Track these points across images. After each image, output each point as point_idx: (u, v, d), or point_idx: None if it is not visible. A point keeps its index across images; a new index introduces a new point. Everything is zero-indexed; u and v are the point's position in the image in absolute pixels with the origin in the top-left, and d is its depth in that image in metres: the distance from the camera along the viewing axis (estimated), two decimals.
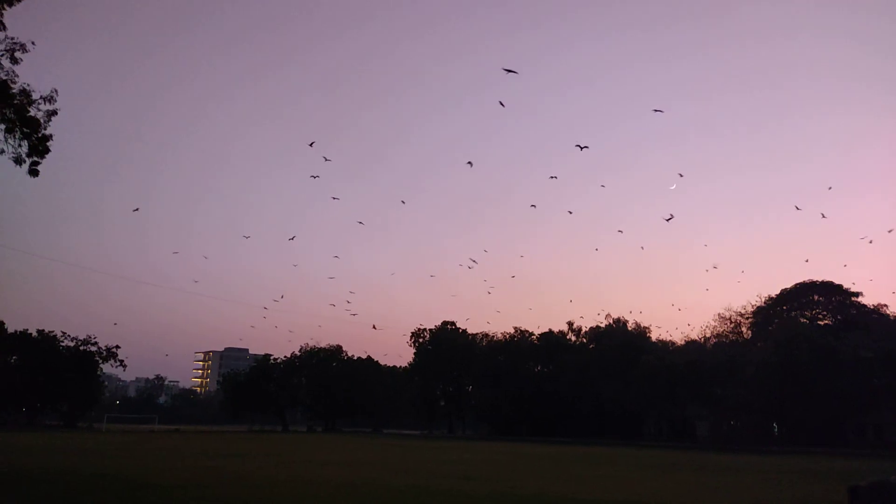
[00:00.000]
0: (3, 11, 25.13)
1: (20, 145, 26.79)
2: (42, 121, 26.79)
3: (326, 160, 51.44)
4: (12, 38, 25.60)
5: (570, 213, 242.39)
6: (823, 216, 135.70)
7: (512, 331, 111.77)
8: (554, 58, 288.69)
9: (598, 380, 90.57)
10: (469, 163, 52.32)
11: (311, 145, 49.46)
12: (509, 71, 32.76)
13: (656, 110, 40.42)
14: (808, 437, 74.57)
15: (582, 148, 42.95)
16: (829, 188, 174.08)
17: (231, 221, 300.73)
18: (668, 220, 53.20)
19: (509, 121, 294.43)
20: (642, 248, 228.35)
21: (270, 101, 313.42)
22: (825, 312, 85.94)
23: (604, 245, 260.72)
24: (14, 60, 25.69)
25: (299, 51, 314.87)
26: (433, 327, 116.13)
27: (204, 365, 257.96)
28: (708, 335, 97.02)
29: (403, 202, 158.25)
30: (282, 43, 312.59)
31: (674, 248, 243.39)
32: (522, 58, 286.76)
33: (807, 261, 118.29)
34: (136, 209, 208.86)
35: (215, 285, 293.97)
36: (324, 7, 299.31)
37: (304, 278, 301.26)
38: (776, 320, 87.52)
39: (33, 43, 26.12)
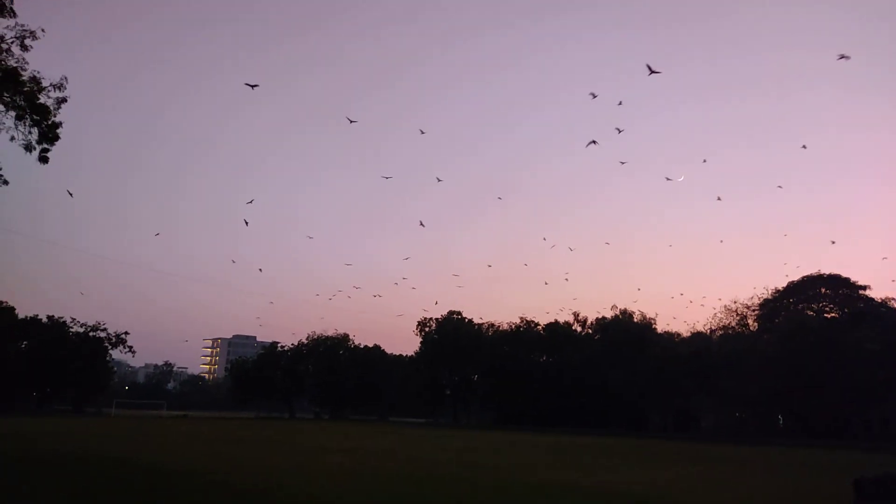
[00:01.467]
0: None
1: (30, 132, 26.99)
2: (52, 108, 26.94)
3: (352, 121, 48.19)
4: (22, 26, 25.72)
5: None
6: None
7: (518, 321, 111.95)
8: (548, 54, 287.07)
9: (603, 370, 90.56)
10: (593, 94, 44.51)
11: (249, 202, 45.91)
12: None
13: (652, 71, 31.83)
14: (813, 429, 74.45)
15: (652, 72, 36.22)
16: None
17: (238, 210, 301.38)
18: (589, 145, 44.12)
19: (523, 111, 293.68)
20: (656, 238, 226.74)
21: (299, 103, 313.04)
22: (832, 305, 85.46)
23: (613, 237, 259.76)
24: (24, 48, 25.81)
25: (317, 50, 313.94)
26: (439, 317, 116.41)
27: (212, 352, 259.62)
28: (714, 327, 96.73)
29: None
30: (303, 45, 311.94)
31: (683, 240, 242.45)
32: (530, 47, 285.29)
33: (885, 258, 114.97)
34: (71, 194, 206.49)
35: (226, 273, 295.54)
36: None
37: (312, 266, 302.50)
38: (783, 313, 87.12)
39: (43, 30, 26.22)
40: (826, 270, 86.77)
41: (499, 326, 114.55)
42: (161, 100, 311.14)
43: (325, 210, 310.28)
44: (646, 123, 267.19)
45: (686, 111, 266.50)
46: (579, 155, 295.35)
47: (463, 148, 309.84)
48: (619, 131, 42.09)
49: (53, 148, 27.56)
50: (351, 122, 47.16)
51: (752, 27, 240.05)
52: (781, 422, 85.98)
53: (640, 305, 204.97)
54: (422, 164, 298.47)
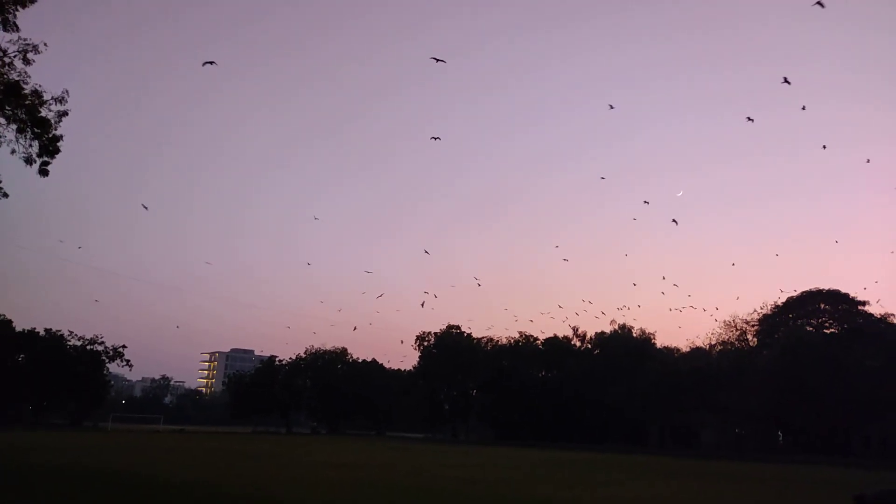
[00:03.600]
0: (17, 13, 25.44)
1: (31, 145, 27.07)
2: (53, 121, 27.05)
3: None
4: (25, 40, 25.87)
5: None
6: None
7: (517, 335, 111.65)
8: (565, 63, 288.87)
9: (602, 385, 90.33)
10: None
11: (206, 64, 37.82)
12: None
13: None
14: (813, 445, 74.12)
15: (438, 60, 37.44)
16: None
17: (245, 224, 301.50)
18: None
19: (521, 124, 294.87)
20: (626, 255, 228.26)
21: (303, 116, 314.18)
22: (831, 321, 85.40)
23: (613, 251, 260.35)
24: (27, 61, 25.95)
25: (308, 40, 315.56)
26: (438, 331, 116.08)
27: (210, 366, 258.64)
28: (713, 342, 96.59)
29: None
30: (307, 57, 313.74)
31: (683, 253, 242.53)
32: (536, 58, 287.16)
33: (876, 282, 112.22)
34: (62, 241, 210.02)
35: (222, 287, 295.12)
36: None
37: (310, 278, 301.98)
38: (782, 328, 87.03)
39: (45, 44, 26.34)
40: (825, 285, 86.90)
41: (498, 341, 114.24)
42: (166, 112, 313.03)
43: (328, 223, 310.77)
44: (646, 135, 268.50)
45: (686, 123, 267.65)
46: (582, 167, 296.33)
47: (466, 159, 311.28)
48: (788, 82, 39.03)
49: (54, 161, 27.64)
50: (438, 60, 38.56)
51: (758, 39, 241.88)
52: (781, 438, 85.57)
53: (640, 320, 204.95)
54: (425, 175, 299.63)
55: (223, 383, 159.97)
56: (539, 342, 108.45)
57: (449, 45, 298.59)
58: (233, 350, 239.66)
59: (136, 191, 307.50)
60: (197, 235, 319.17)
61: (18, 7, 25.49)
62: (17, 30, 25.61)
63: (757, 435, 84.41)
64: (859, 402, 68.98)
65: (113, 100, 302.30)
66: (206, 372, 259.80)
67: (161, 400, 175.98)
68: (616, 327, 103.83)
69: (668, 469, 42.52)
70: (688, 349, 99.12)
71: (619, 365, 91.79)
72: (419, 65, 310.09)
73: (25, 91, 26.15)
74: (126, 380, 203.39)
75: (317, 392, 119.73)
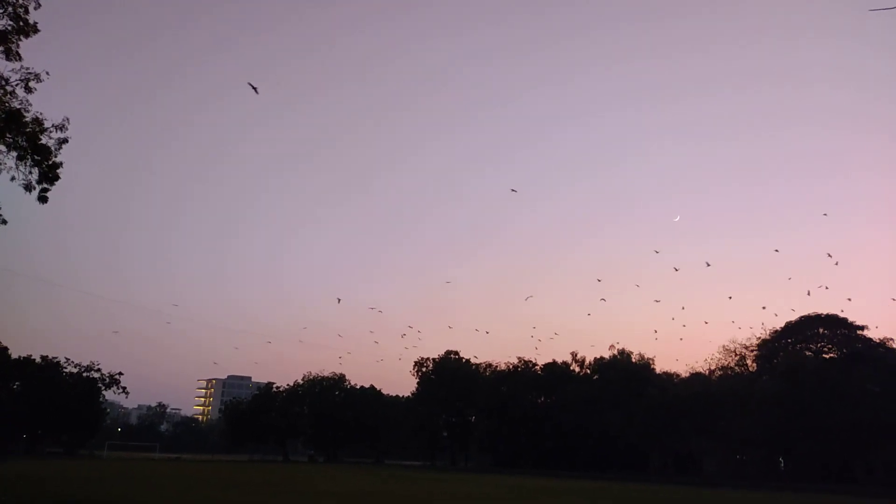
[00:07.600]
0: (20, 42, 25.75)
1: (31, 172, 27.17)
2: (53, 148, 27.20)
3: None
4: (27, 69, 26.13)
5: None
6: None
7: (515, 361, 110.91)
8: (559, 85, 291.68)
9: (602, 412, 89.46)
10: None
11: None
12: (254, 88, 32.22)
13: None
14: (815, 472, 73.30)
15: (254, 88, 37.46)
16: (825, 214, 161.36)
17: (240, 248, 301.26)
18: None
19: (515, 150, 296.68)
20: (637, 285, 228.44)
21: (288, 145, 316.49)
22: (830, 346, 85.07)
23: (609, 279, 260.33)
24: (28, 90, 26.18)
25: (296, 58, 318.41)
26: (436, 357, 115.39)
27: (206, 392, 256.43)
28: (713, 367, 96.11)
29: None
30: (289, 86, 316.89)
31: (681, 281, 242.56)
32: (526, 82, 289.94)
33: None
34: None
35: (216, 313, 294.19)
36: (312, 24, 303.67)
37: (305, 305, 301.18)
38: (781, 353, 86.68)
39: (47, 73, 26.60)
40: (824, 310, 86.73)
41: (496, 366, 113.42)
42: (154, 139, 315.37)
43: (317, 251, 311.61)
44: (638, 161, 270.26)
45: (682, 149, 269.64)
46: (573, 194, 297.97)
47: (454, 188, 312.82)
48: None
49: (52, 188, 27.73)
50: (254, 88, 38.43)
51: (751, 62, 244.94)
52: (783, 464, 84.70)
53: (639, 345, 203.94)
54: (413, 204, 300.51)
55: (220, 410, 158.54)
56: (538, 368, 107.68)
57: (438, 69, 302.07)
58: (230, 377, 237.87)
59: (129, 217, 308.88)
60: (192, 262, 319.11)
61: (21, 37, 25.82)
62: (20, 59, 25.90)
63: (759, 461, 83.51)
64: (861, 427, 68.34)
65: (98, 125, 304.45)
66: (202, 399, 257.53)
67: (157, 427, 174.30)
68: (615, 352, 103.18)
69: (669, 499, 42.03)
70: (687, 374, 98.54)
71: (618, 390, 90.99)
72: (403, 92, 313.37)
73: (26, 119, 26.33)
74: (122, 407, 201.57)
75: (314, 419, 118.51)
